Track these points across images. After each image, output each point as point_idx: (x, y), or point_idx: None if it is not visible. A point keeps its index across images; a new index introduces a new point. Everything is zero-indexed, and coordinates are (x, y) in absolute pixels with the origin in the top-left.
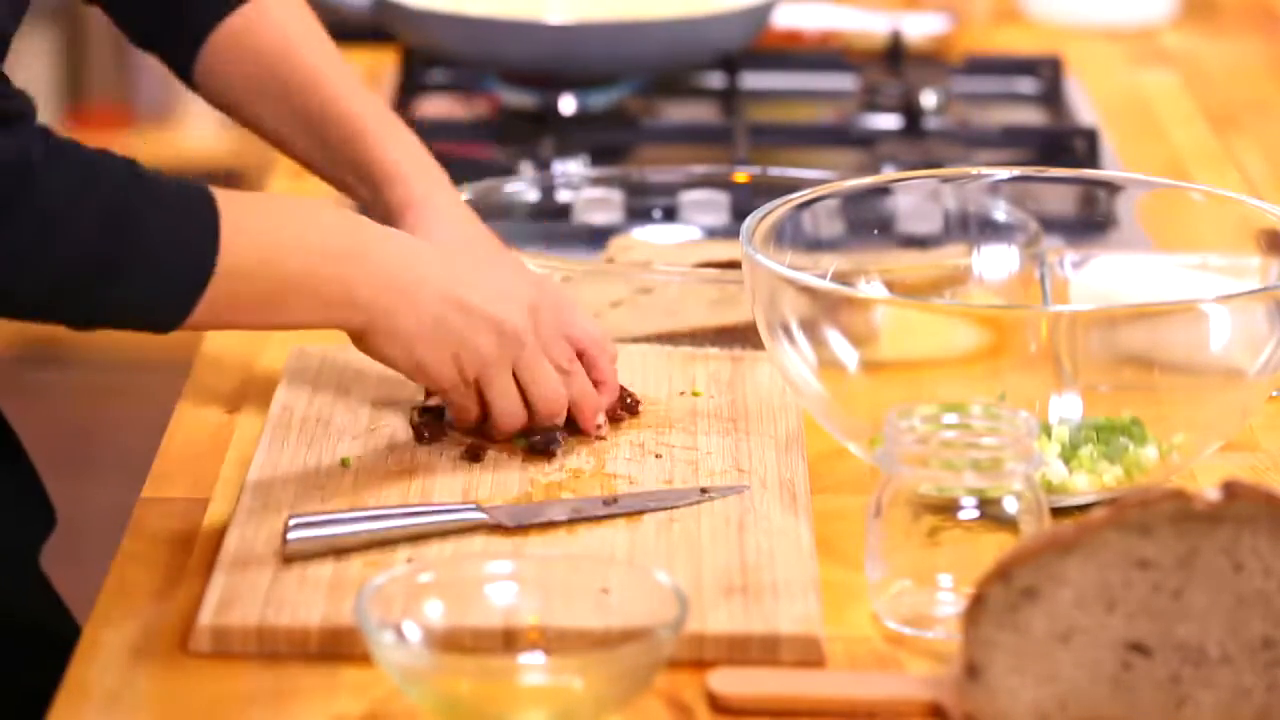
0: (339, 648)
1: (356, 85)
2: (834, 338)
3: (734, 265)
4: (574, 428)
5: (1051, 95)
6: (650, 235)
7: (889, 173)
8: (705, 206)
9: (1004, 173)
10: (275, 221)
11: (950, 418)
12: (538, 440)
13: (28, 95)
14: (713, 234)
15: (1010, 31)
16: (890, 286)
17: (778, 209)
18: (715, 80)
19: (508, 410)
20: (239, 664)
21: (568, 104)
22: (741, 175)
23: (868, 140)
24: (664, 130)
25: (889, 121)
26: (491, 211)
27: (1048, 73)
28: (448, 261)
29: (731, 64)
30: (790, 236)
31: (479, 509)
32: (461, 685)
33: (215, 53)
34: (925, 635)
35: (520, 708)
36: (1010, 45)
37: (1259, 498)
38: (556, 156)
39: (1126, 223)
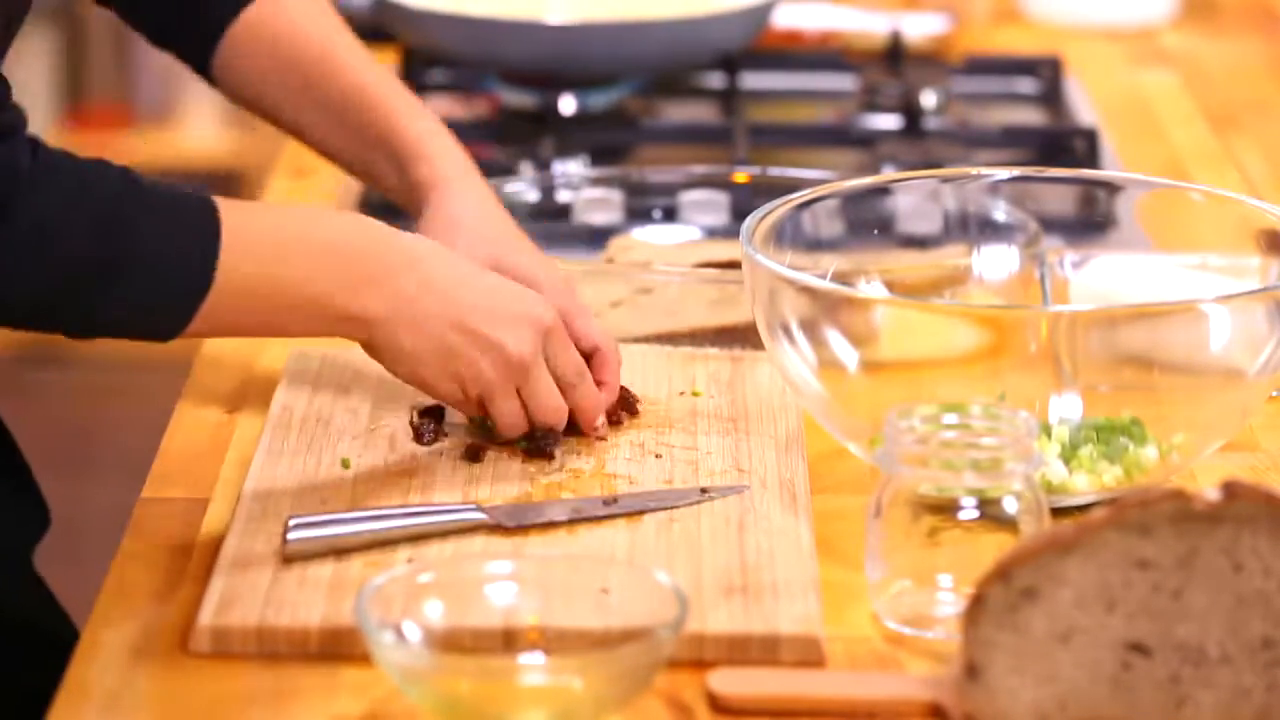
0: (339, 648)
1: (377, 68)
2: (834, 338)
3: (734, 265)
4: (574, 428)
5: (1051, 95)
6: (650, 235)
7: (889, 173)
8: (705, 206)
9: (1004, 173)
10: (278, 232)
11: (950, 418)
12: (535, 445)
13: (20, 108)
14: (713, 234)
15: (1010, 31)
16: (890, 286)
17: (778, 209)
18: (715, 80)
19: (509, 423)
20: (239, 664)
21: (568, 104)
22: (741, 175)
23: (868, 140)
24: (664, 130)
25: (889, 121)
26: None
27: (1047, 73)
28: (456, 281)
29: (731, 64)
30: (790, 236)
31: (479, 509)
32: (461, 685)
33: (232, 46)
34: (925, 635)
35: (520, 708)
36: (1010, 45)
37: (1259, 498)
38: (556, 156)
39: (1126, 223)
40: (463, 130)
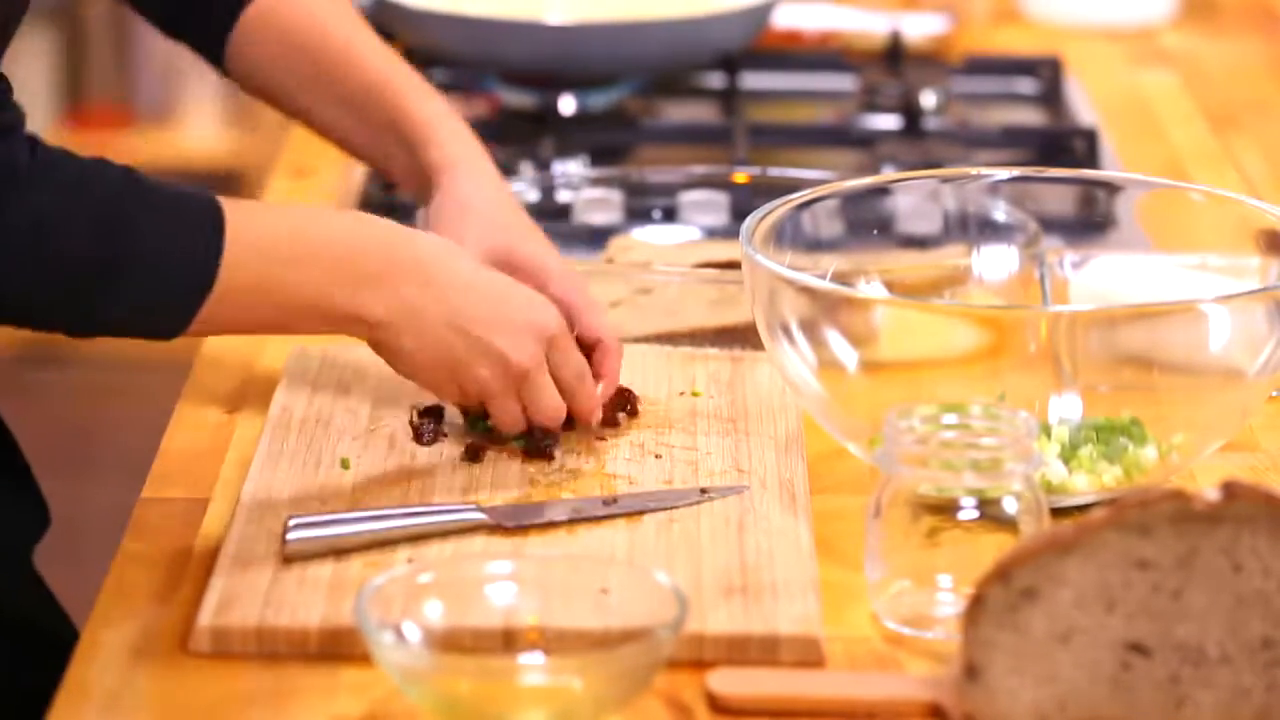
0: (339, 648)
1: (387, 54)
2: (834, 338)
3: (734, 265)
4: (571, 423)
5: (1051, 95)
6: (650, 235)
7: (889, 173)
8: (705, 207)
9: (1004, 173)
10: (281, 231)
11: (950, 418)
12: (535, 445)
13: (19, 106)
14: (712, 234)
15: (1010, 32)
16: (890, 286)
17: (777, 209)
18: (715, 80)
19: (508, 422)
20: (239, 664)
21: (568, 104)
22: (741, 175)
23: (867, 140)
24: (664, 130)
25: (889, 122)
26: None
27: (1047, 73)
28: (460, 284)
29: (731, 64)
30: (790, 237)
31: (479, 509)
32: (461, 685)
33: (244, 34)
34: (925, 635)
35: (520, 708)
36: (1010, 45)
37: (1258, 498)
38: (556, 156)
39: (1126, 223)
40: None
